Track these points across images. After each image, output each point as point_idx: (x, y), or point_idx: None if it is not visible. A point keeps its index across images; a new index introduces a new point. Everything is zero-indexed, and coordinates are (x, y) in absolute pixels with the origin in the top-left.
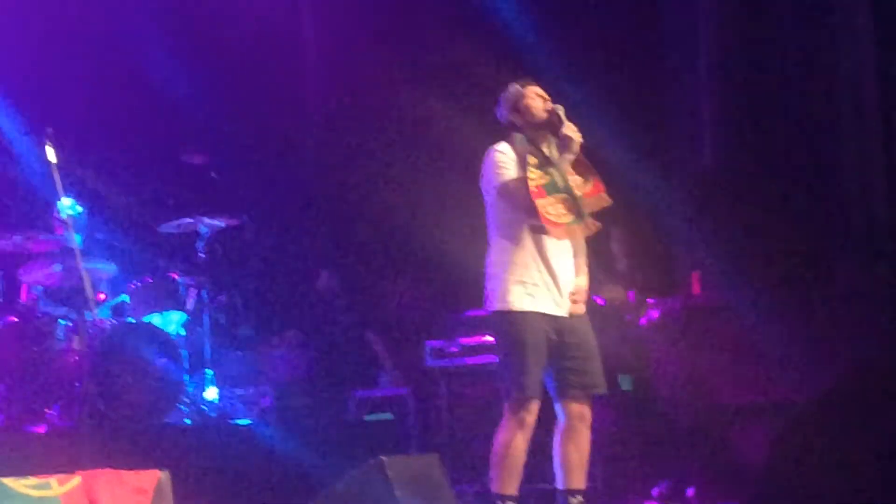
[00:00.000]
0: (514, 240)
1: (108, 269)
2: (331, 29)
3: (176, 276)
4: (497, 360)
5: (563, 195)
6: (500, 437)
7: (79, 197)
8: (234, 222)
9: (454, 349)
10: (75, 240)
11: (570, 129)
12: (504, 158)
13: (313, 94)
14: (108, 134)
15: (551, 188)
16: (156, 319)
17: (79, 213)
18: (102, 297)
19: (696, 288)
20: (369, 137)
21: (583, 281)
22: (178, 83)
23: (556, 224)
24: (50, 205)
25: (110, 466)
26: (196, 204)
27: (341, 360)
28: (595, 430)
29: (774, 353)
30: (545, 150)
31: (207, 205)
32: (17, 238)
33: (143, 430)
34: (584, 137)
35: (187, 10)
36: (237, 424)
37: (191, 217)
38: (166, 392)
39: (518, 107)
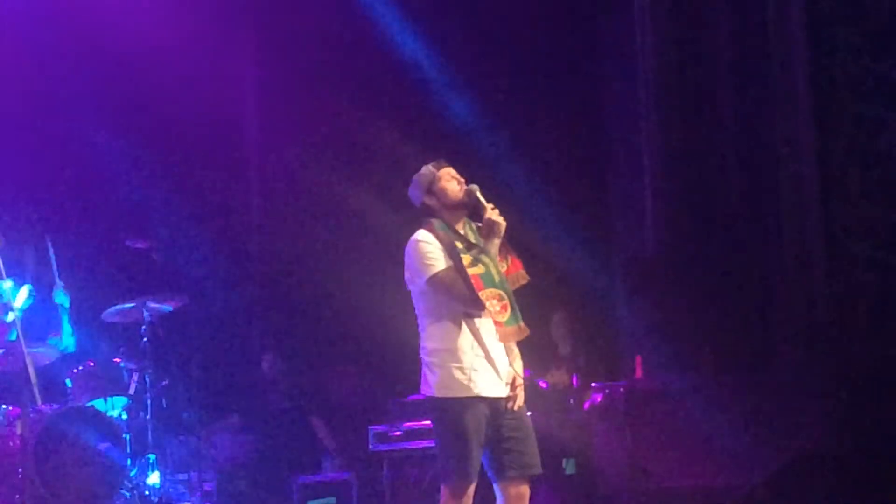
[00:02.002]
0: (449, 326)
1: (50, 353)
2: (273, 115)
3: (119, 361)
4: (436, 445)
5: (499, 291)
6: None
7: (20, 281)
8: (176, 305)
9: (397, 433)
10: (17, 324)
11: (493, 214)
12: (430, 248)
13: (256, 179)
14: (51, 218)
15: (488, 280)
16: (98, 404)
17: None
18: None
19: (638, 372)
20: (313, 223)
21: (519, 367)
22: (122, 169)
23: (495, 322)
24: None
25: None
26: (139, 288)
27: (284, 445)
28: None
29: (717, 437)
30: (462, 232)
31: (150, 289)
32: None
33: None
34: (524, 222)
35: (132, 98)
36: None
37: (133, 301)
38: (109, 477)
39: (433, 189)
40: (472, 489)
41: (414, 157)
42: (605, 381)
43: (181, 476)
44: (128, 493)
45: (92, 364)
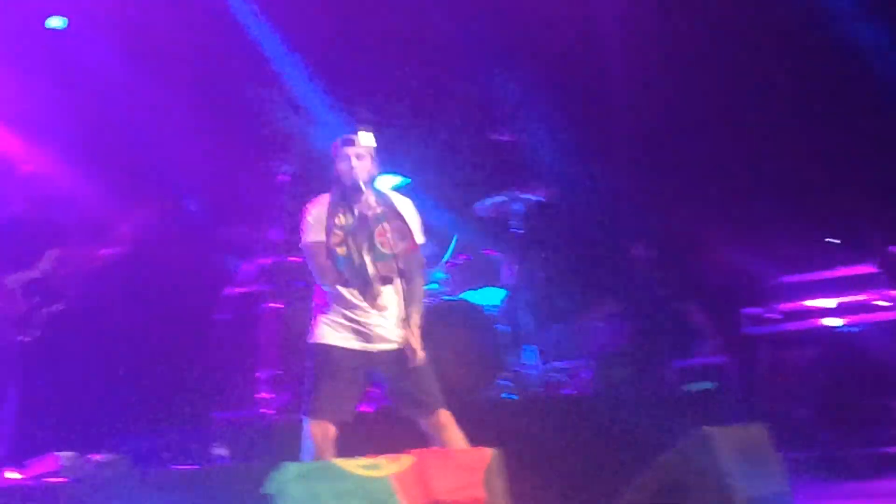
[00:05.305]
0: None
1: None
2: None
3: (492, 253)
4: None
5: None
6: None
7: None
8: (546, 196)
9: (772, 315)
10: None
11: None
12: (311, 218)
13: (618, 71)
14: (421, 113)
15: (346, 264)
16: (473, 296)
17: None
18: None
19: None
20: (679, 101)
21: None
22: (486, 59)
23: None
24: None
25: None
26: (508, 180)
27: (659, 330)
28: None
29: None
30: (356, 210)
31: (518, 181)
32: None
33: (467, 407)
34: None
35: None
36: (560, 397)
37: (504, 194)
38: (487, 368)
39: (335, 163)
40: (323, 427)
41: None
42: None
43: (559, 364)
44: (508, 383)
45: (466, 257)
